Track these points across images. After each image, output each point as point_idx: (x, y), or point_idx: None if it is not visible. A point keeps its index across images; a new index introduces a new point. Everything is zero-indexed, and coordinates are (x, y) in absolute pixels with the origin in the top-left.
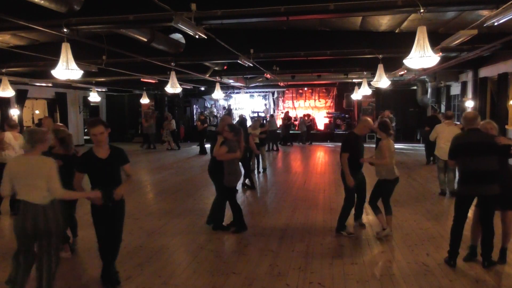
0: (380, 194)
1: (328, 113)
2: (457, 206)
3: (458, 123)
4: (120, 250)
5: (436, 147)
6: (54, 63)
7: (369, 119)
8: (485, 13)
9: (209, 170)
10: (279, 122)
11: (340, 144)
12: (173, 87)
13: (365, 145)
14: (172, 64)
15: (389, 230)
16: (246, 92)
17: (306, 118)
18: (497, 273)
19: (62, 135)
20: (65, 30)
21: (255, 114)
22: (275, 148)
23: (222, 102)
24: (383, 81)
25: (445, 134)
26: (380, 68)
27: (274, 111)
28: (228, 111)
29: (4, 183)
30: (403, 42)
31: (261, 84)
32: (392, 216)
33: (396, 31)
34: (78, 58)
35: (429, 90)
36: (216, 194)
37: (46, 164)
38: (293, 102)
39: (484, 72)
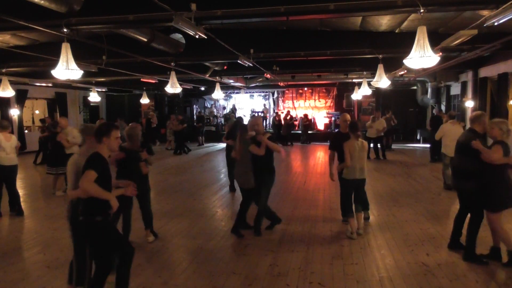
0: (341, 194)
1: (328, 113)
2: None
3: (463, 122)
4: None
5: (442, 145)
6: (54, 63)
7: (346, 116)
8: (485, 13)
9: None
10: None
11: None
12: (173, 87)
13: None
14: (172, 64)
15: (355, 236)
16: (246, 92)
17: (304, 118)
18: (498, 274)
19: (129, 132)
20: (65, 30)
21: (255, 114)
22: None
23: (222, 102)
24: (383, 81)
25: (450, 133)
26: (380, 68)
27: (274, 111)
28: (233, 112)
29: None
30: (403, 42)
31: (261, 84)
32: (361, 214)
33: (396, 31)
34: (78, 58)
35: (429, 90)
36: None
37: None
38: (293, 102)
39: (484, 72)
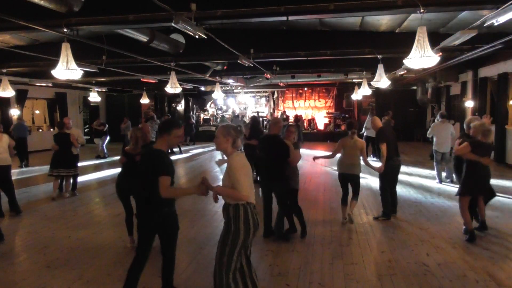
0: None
1: (328, 113)
2: None
3: (452, 120)
4: (119, 251)
5: (434, 142)
6: (54, 63)
7: (377, 119)
8: (485, 13)
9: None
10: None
11: None
12: (173, 87)
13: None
14: (172, 64)
15: (344, 221)
16: (246, 92)
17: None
18: (498, 274)
19: (131, 134)
20: (65, 30)
21: (255, 114)
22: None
23: (222, 102)
24: (383, 81)
25: (439, 131)
26: (380, 68)
27: (274, 111)
28: (233, 114)
29: None
30: (403, 42)
31: (261, 84)
32: (353, 202)
33: (396, 31)
34: (78, 58)
35: (429, 90)
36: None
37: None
38: (293, 102)
39: (484, 72)
